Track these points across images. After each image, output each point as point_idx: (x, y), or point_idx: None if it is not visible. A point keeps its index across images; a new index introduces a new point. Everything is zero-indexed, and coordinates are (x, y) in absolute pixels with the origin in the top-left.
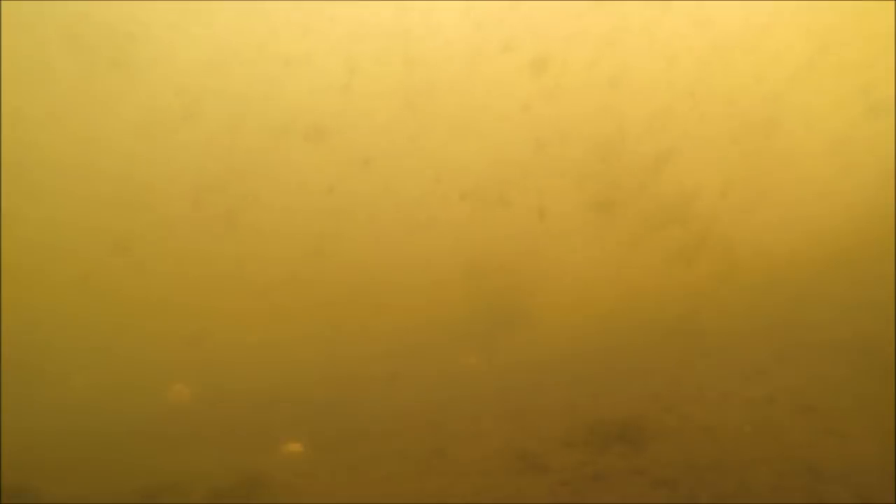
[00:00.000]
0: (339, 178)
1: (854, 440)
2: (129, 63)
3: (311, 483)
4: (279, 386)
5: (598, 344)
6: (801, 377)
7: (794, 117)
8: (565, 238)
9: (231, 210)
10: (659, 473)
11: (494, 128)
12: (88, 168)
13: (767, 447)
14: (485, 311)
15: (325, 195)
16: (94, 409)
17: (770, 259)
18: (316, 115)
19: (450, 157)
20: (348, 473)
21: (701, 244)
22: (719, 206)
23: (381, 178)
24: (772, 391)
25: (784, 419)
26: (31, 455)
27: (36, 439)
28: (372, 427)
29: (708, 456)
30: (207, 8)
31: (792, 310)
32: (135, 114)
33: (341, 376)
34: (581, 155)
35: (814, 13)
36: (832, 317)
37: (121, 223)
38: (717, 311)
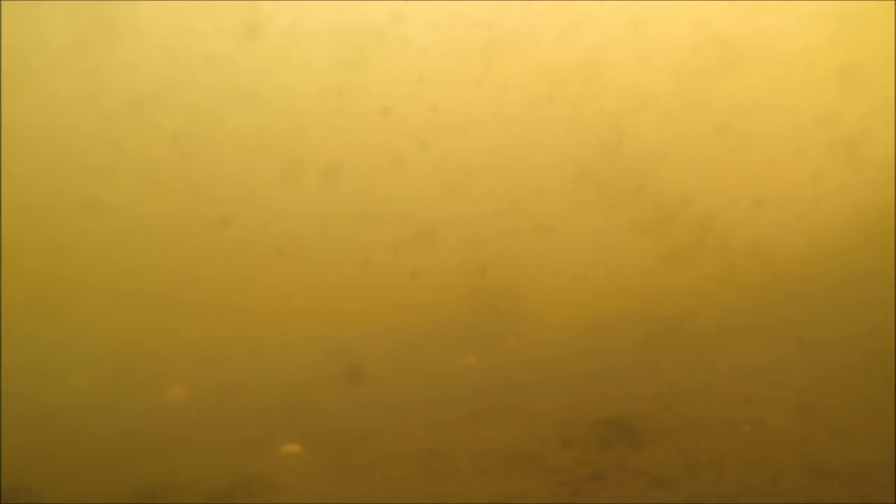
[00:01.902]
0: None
1: (854, 440)
2: None
3: (309, 484)
4: (277, 387)
5: (598, 344)
6: (802, 377)
7: (793, 118)
8: (564, 238)
9: (229, 210)
10: (659, 473)
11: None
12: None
13: (767, 447)
14: (484, 311)
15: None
16: (93, 409)
17: (769, 259)
18: None
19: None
20: (347, 474)
21: (700, 244)
22: (718, 206)
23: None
24: (771, 391)
25: (784, 419)
26: (30, 455)
27: (35, 439)
28: (371, 427)
29: (708, 456)
30: None
31: (791, 309)
32: None
33: (340, 377)
34: (581, 156)
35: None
36: (832, 316)
37: (118, 220)
38: (717, 311)
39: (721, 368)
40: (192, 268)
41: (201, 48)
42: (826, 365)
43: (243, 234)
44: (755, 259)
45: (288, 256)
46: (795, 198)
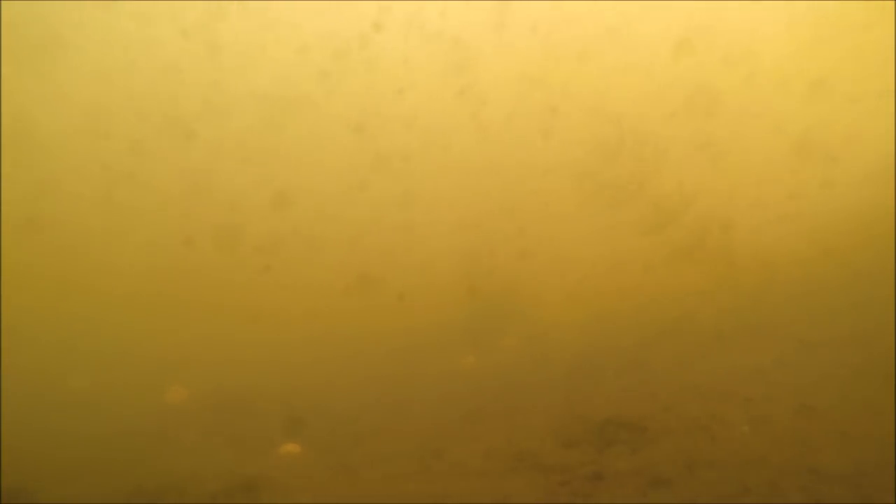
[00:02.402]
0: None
1: (854, 440)
2: None
3: (309, 484)
4: (277, 387)
5: (598, 344)
6: (801, 377)
7: (793, 118)
8: (565, 239)
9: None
10: (659, 473)
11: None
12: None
13: (767, 447)
14: (484, 311)
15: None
16: (93, 409)
17: (769, 259)
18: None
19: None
20: (346, 474)
21: (700, 244)
22: (719, 207)
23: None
24: (771, 391)
25: (784, 419)
26: (30, 456)
27: (35, 440)
28: (370, 427)
29: (708, 456)
30: None
31: (791, 309)
32: None
33: (340, 377)
34: (582, 156)
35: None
36: (832, 316)
37: (117, 224)
38: (717, 311)
39: (721, 368)
40: (191, 268)
41: (165, 56)
42: (826, 365)
43: (234, 241)
44: (755, 259)
45: (282, 261)
46: (795, 198)
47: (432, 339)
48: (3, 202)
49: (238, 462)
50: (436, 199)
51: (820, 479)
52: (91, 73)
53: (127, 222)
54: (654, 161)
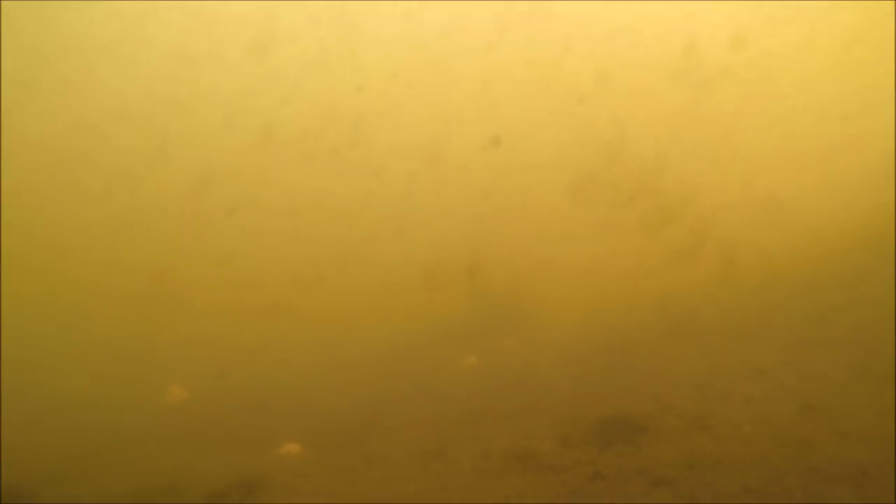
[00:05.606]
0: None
1: (854, 440)
2: None
3: (309, 484)
4: (277, 387)
5: (598, 344)
6: (801, 377)
7: (794, 118)
8: (566, 238)
9: (231, 209)
10: (659, 473)
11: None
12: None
13: (767, 447)
14: (484, 312)
15: (322, 195)
16: (94, 409)
17: (770, 259)
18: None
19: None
20: (347, 474)
21: (701, 244)
22: (719, 206)
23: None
24: (772, 391)
25: (784, 419)
26: (30, 456)
27: (35, 440)
28: (371, 427)
29: (708, 456)
30: None
31: (792, 309)
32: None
33: (340, 377)
34: (583, 156)
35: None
36: (832, 316)
37: (119, 219)
38: (717, 311)
39: (721, 368)
40: (192, 267)
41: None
42: (826, 365)
43: (239, 232)
44: (756, 259)
45: (282, 261)
46: (796, 197)
47: (433, 338)
48: (4, 199)
49: (238, 462)
50: (437, 198)
51: (821, 478)
52: None
53: (128, 221)
54: (655, 161)
